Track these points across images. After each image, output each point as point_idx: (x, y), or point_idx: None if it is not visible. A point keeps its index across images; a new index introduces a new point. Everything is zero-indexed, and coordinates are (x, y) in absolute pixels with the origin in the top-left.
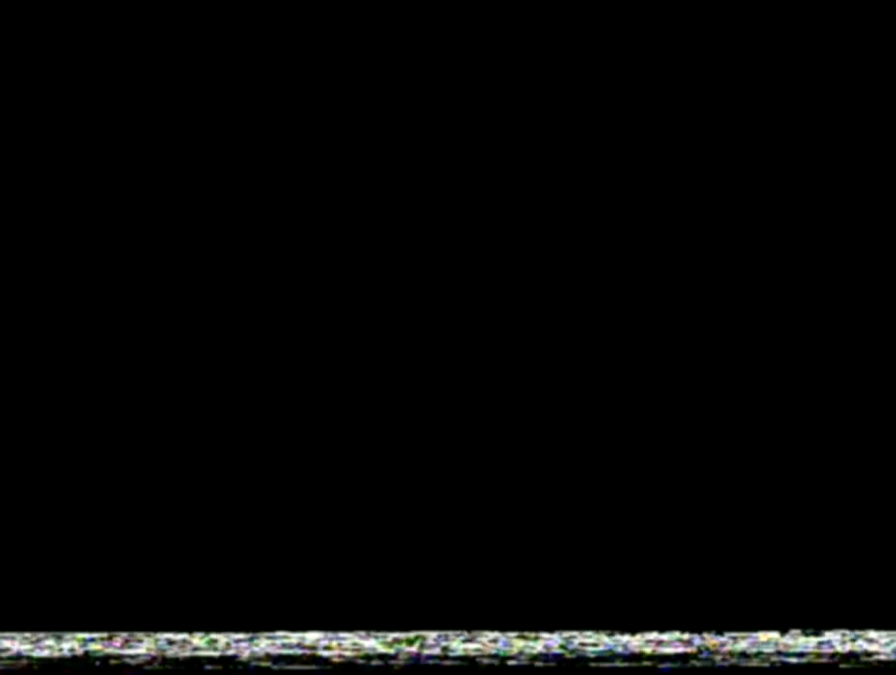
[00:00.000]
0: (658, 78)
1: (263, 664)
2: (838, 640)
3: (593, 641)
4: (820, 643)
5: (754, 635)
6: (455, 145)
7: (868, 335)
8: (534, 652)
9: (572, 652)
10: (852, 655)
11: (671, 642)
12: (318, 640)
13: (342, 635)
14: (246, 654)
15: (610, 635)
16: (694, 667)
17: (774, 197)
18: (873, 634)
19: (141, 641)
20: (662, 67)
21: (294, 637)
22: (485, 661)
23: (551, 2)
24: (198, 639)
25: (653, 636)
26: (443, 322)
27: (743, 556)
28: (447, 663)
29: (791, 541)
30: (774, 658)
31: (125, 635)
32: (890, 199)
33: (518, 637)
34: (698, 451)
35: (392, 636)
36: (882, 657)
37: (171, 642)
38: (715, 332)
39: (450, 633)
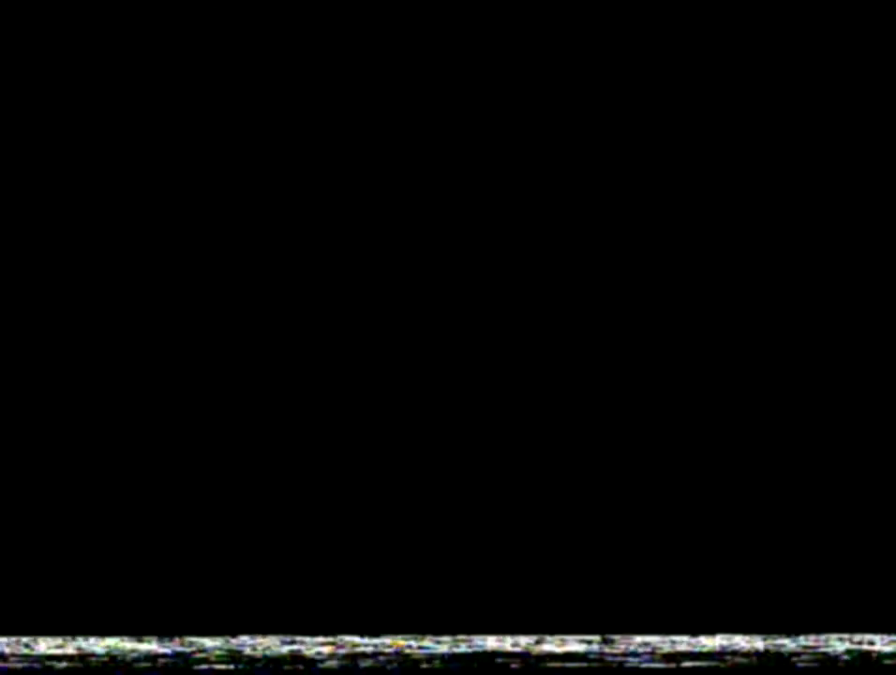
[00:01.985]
0: (657, 78)
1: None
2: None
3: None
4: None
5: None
6: (455, 146)
7: (868, 336)
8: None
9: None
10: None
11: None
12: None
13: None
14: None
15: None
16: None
17: (774, 197)
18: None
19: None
20: (661, 67)
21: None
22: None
23: (552, 3)
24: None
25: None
26: (443, 322)
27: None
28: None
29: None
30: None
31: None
32: (890, 199)
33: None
34: (692, 463)
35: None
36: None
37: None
38: (715, 333)
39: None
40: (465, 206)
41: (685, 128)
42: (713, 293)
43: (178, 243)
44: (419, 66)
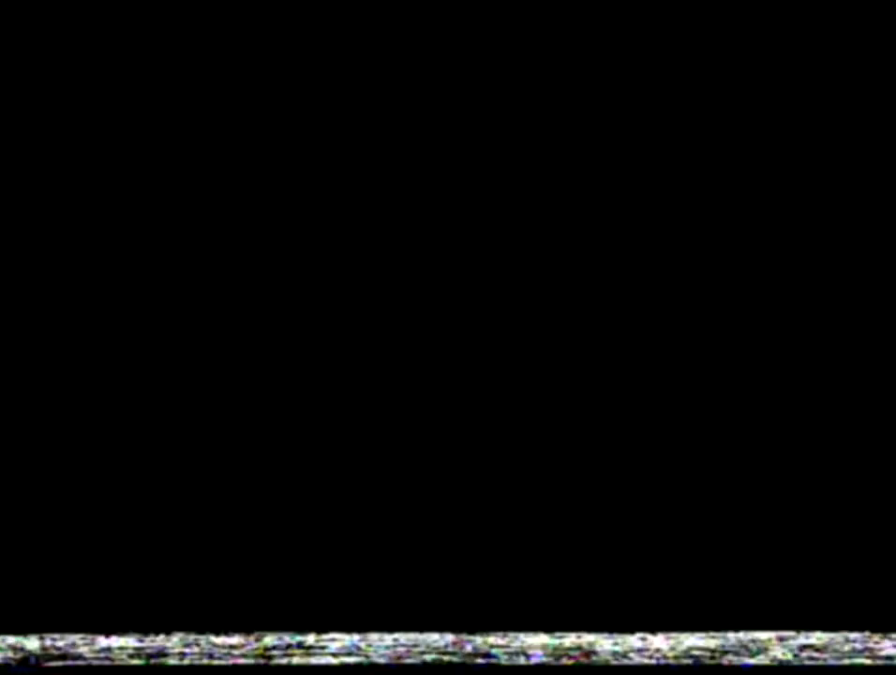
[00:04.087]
0: (657, 79)
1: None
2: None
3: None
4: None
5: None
6: (455, 147)
7: (868, 337)
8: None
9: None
10: None
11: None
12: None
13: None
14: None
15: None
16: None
17: (773, 197)
18: None
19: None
20: (661, 68)
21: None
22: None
23: (553, 4)
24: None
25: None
26: (443, 323)
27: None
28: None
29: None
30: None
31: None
32: (890, 199)
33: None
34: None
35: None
36: None
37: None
38: (715, 335)
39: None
40: (465, 208)
41: (685, 130)
42: (713, 296)
43: (178, 245)
44: (419, 67)
